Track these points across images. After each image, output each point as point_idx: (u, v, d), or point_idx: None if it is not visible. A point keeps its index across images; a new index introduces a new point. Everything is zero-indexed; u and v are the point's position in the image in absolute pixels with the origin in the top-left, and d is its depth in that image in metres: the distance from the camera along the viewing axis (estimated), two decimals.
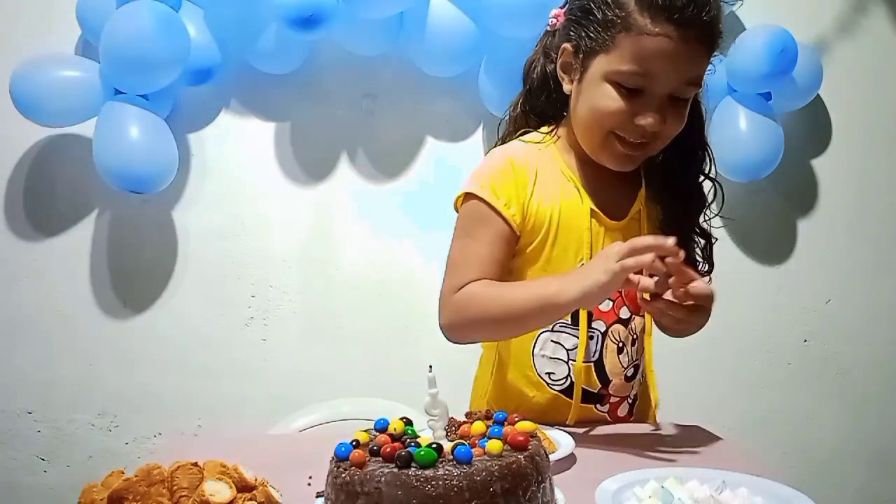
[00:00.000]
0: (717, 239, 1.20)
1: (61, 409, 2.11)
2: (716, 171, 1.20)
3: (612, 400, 1.16)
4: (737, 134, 2.01)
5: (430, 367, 0.80)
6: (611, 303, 1.12)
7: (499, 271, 1.07)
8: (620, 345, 1.14)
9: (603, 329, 1.12)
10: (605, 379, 1.13)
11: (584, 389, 1.12)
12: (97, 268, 2.10)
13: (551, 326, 1.11)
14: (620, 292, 1.13)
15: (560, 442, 0.98)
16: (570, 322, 1.11)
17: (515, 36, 1.92)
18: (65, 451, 2.12)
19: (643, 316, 1.17)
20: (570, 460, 0.95)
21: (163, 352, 2.11)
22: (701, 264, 1.18)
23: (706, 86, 1.08)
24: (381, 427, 0.76)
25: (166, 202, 2.10)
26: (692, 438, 1.11)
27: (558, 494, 0.75)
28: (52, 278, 2.09)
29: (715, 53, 1.04)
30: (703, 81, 1.06)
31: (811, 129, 2.19)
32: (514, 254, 1.11)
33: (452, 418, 0.79)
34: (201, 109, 2.10)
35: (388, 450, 0.69)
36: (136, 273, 2.11)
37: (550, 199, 1.10)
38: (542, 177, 1.10)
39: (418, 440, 0.73)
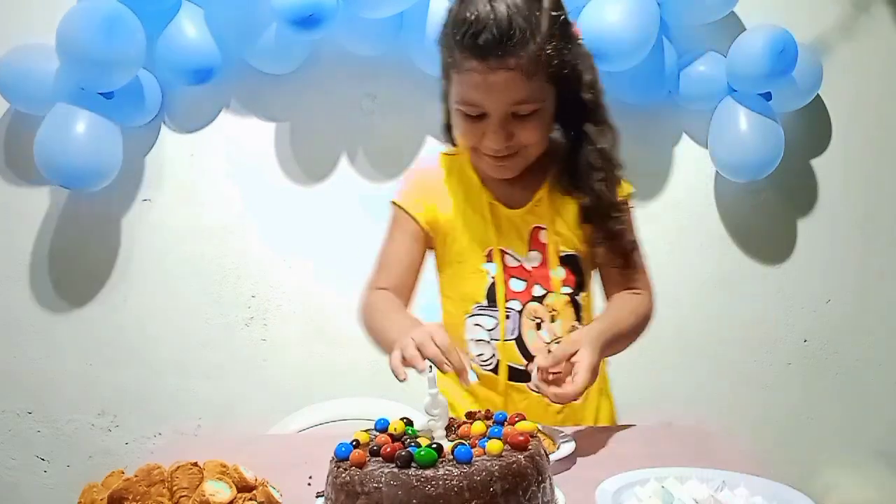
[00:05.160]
0: (647, 255, 1.23)
1: (61, 409, 2.11)
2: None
3: None
4: (737, 134, 2.01)
5: (430, 367, 0.80)
6: (524, 283, 1.20)
7: (409, 264, 1.24)
8: (539, 321, 1.20)
9: (519, 308, 1.20)
10: (528, 355, 1.20)
11: (511, 367, 1.20)
12: (96, 267, 2.10)
13: (471, 311, 1.21)
14: (530, 274, 1.20)
15: (560, 442, 0.98)
16: (486, 304, 1.20)
17: None
18: (65, 451, 2.12)
19: (566, 294, 1.21)
20: (570, 460, 0.95)
21: (163, 352, 2.11)
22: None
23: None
24: (382, 427, 0.76)
25: (167, 202, 2.10)
26: (692, 438, 1.12)
27: (558, 494, 0.75)
28: (51, 277, 2.09)
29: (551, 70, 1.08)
30: (546, 95, 1.10)
31: (811, 129, 2.18)
32: (432, 247, 1.26)
33: (452, 418, 0.79)
34: (201, 109, 2.10)
35: (389, 450, 0.69)
36: (136, 272, 2.11)
37: (457, 201, 1.22)
38: (452, 183, 1.24)
39: (418, 440, 0.73)
